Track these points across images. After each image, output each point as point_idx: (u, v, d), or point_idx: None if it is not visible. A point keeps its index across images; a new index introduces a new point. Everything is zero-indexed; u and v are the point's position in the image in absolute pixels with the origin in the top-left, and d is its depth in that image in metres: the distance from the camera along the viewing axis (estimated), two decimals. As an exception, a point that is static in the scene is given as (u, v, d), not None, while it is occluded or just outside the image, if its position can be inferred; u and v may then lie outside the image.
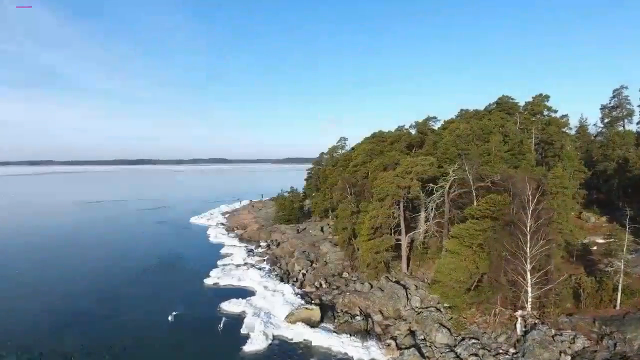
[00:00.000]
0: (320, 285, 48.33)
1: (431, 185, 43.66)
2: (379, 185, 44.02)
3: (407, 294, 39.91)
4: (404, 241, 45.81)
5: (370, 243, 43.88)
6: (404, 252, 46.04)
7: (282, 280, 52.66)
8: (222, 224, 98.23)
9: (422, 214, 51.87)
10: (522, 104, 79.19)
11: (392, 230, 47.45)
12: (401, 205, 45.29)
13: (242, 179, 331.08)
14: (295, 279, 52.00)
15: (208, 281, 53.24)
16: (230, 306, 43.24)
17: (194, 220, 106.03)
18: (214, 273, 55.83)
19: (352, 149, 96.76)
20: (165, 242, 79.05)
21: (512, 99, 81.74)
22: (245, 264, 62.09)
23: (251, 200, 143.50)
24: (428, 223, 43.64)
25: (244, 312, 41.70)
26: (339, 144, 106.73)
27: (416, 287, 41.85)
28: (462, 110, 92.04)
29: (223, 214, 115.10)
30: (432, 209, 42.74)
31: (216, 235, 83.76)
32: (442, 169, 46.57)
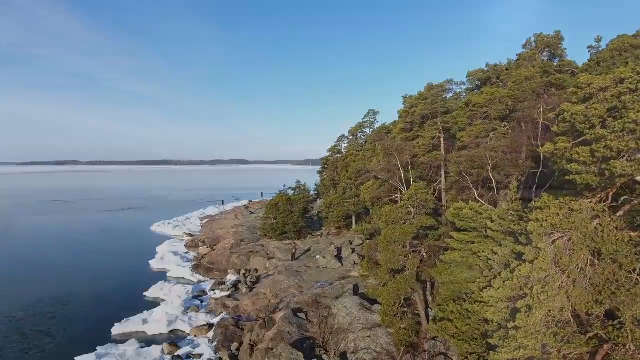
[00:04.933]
0: None
1: None
2: None
3: None
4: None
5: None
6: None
7: None
8: (191, 234, 65.33)
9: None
10: None
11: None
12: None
13: (254, 177, 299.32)
14: None
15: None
16: None
17: (157, 227, 73.87)
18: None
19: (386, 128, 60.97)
20: (81, 266, 46.86)
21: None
22: (171, 334, 28.68)
23: (250, 201, 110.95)
24: None
25: None
26: (366, 120, 70.65)
27: None
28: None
29: (202, 218, 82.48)
30: None
31: (165, 256, 50.62)
32: None
